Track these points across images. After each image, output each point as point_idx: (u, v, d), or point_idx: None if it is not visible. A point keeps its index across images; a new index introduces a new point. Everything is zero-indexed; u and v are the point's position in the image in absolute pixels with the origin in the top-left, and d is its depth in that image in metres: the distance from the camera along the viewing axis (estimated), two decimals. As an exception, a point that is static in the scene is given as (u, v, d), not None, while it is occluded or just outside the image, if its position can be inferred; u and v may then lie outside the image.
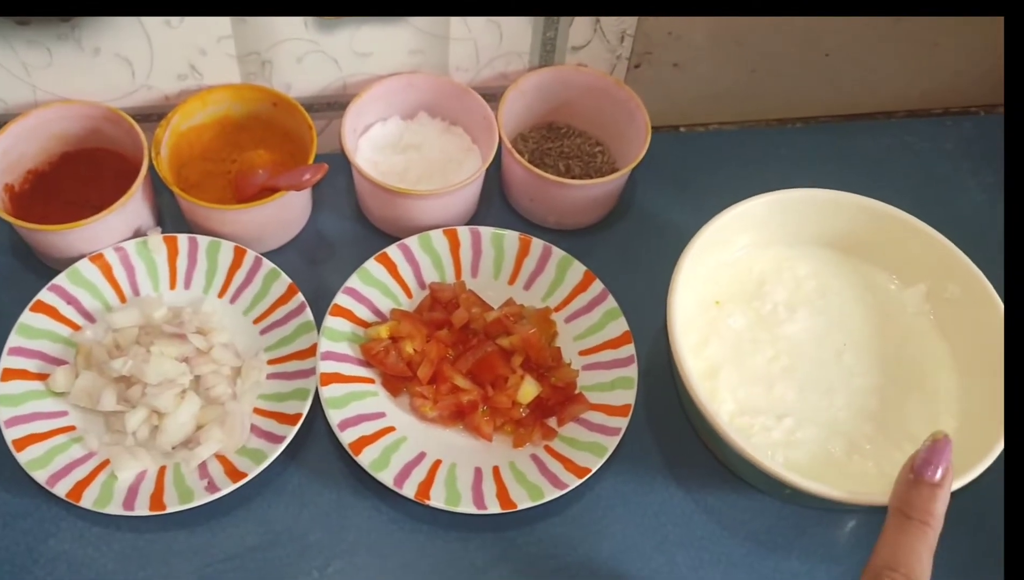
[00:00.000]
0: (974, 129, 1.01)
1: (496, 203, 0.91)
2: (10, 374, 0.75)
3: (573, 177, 0.88)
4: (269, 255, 0.83)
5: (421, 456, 0.75)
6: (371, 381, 0.79)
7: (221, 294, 0.82)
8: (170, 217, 0.87)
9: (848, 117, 1.00)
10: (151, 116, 0.86)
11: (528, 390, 0.76)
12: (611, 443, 0.75)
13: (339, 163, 0.84)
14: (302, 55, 0.84)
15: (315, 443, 0.77)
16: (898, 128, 1.01)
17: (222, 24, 0.80)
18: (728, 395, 0.75)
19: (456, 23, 0.83)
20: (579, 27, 0.86)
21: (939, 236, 0.78)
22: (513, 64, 0.88)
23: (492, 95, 0.87)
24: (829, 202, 0.79)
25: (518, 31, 0.85)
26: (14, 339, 0.76)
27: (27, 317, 0.77)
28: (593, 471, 0.74)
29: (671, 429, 0.80)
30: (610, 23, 0.86)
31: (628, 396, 0.77)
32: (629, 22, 0.86)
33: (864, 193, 0.79)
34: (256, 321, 0.81)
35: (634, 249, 0.89)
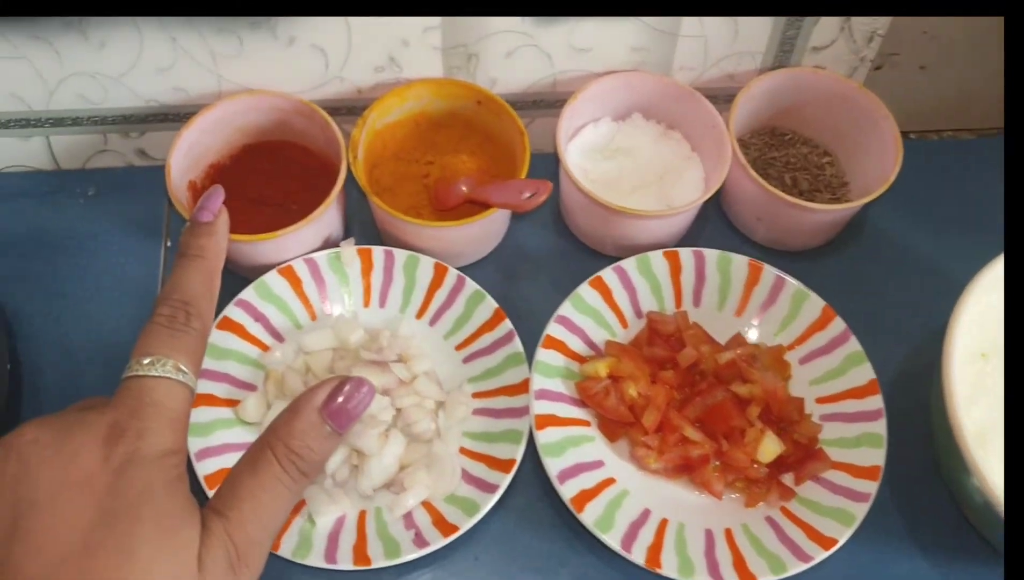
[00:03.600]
0: None
1: (711, 216, 0.81)
2: (199, 400, 0.69)
3: (801, 191, 0.79)
4: (464, 270, 0.76)
5: (646, 514, 0.68)
6: (587, 423, 0.71)
7: (419, 315, 0.74)
8: (355, 223, 0.80)
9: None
10: (339, 109, 0.78)
11: (770, 448, 0.68)
12: (859, 511, 0.67)
13: (539, 166, 0.75)
14: (513, 49, 0.75)
15: (520, 485, 0.70)
16: None
17: (431, 14, 0.71)
18: (998, 463, 0.66)
19: (689, 19, 0.73)
20: (824, 25, 0.76)
21: None
22: (743, 64, 0.78)
23: (712, 98, 0.77)
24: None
25: (756, 29, 0.75)
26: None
27: (214, 336, 0.71)
28: (841, 543, 0.66)
29: (918, 494, 0.71)
30: (860, 22, 0.75)
31: (876, 456, 0.68)
32: (882, 21, 0.76)
33: None
34: (458, 347, 0.73)
35: (866, 277, 0.79)
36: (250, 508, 0.46)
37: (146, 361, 0.46)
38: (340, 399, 0.47)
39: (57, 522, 0.41)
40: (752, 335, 0.75)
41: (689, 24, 0.74)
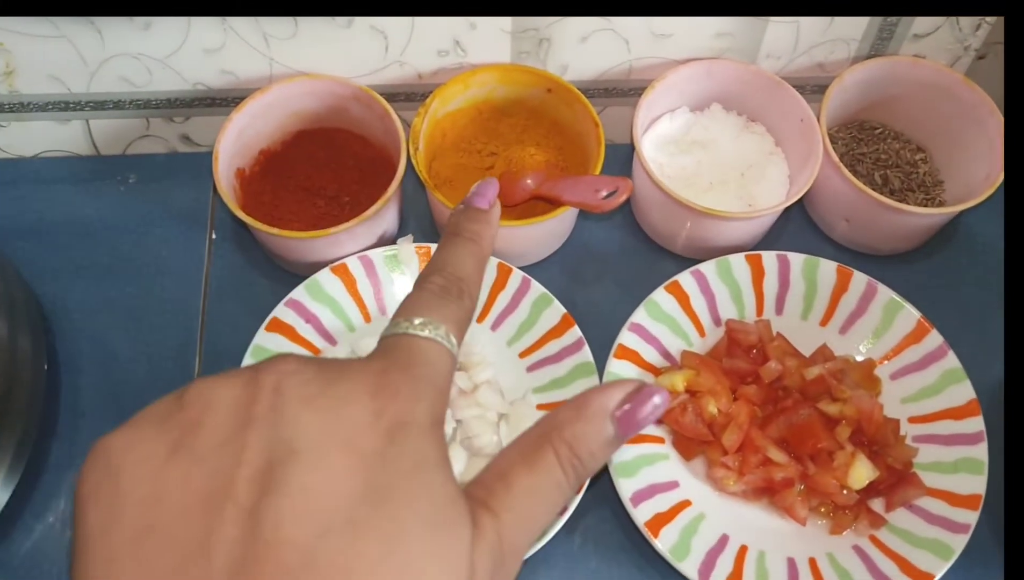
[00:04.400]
0: None
1: (795, 217, 0.76)
2: (246, 406, 0.64)
3: (892, 190, 0.73)
4: (526, 271, 0.71)
5: (724, 540, 0.63)
6: (661, 441, 0.66)
7: (480, 319, 0.69)
8: (411, 217, 0.75)
9: None
10: (397, 96, 0.73)
11: (861, 473, 0.62)
12: (958, 543, 0.61)
13: (609, 160, 0.69)
14: (588, 33, 0.69)
15: (593, 506, 0.65)
16: None
17: (500, -6, 0.66)
18: (1112, 497, 0.60)
19: (781, 2, 0.67)
20: (928, 10, 0.69)
21: None
22: (836, 52, 0.72)
23: (800, 88, 0.72)
24: None
25: (852, 14, 0.69)
26: (248, 363, 0.65)
27: (262, 337, 0.66)
28: (938, 578, 0.60)
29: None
30: (966, 8, 0.69)
31: (977, 483, 0.63)
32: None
33: None
34: (523, 354, 0.68)
35: (962, 286, 0.74)
36: (524, 510, 0.38)
37: (418, 321, 0.39)
38: (633, 405, 0.40)
39: (321, 484, 0.33)
40: (840, 348, 0.69)
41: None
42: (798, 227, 0.76)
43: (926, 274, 0.74)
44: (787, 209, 0.75)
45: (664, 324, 0.68)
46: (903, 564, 0.61)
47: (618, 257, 0.74)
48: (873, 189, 0.70)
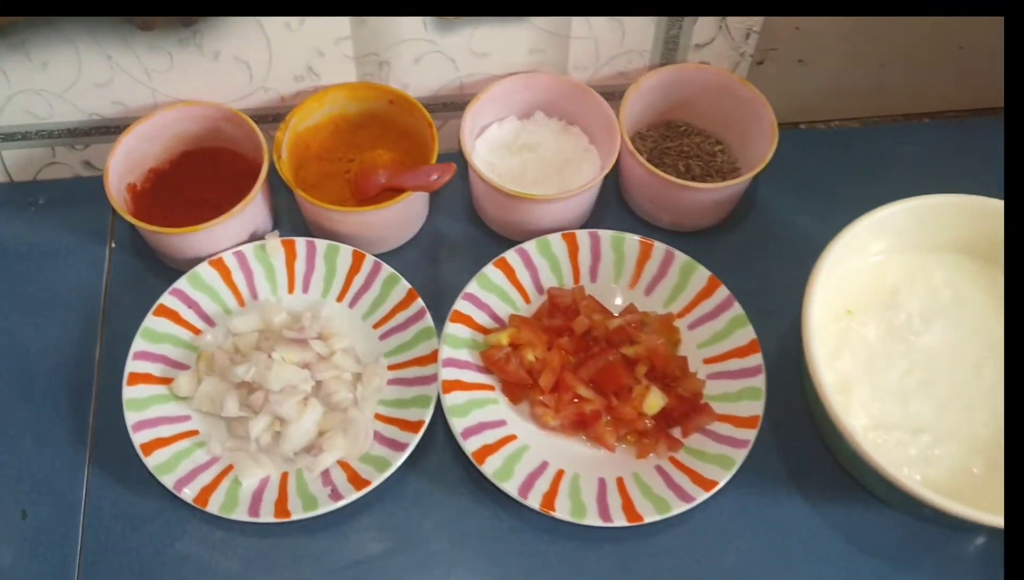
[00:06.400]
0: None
1: (612, 204, 0.89)
2: (136, 378, 0.76)
3: (693, 177, 0.86)
4: (387, 255, 0.83)
5: (544, 466, 0.74)
6: (491, 388, 0.78)
7: (340, 298, 0.81)
8: (286, 218, 0.87)
9: (980, 111, 0.95)
10: (266, 117, 0.86)
11: (654, 401, 0.74)
12: (739, 456, 0.73)
13: (455, 162, 0.82)
14: (420, 55, 0.82)
15: (435, 448, 0.77)
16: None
17: (341, 25, 0.79)
18: (861, 410, 0.73)
19: (578, 21, 0.81)
20: (703, 24, 0.83)
21: (1087, 243, 0.74)
22: (634, 62, 0.86)
23: (609, 94, 0.85)
24: (969, 208, 0.76)
25: (641, 29, 0.83)
26: (138, 343, 0.77)
27: (150, 321, 0.78)
28: (721, 485, 0.72)
29: (797, 441, 0.78)
30: (736, 20, 0.83)
31: (756, 407, 0.75)
32: (755, 19, 0.83)
33: (995, 192, 0.75)
34: (375, 326, 0.80)
35: (755, 252, 0.86)
36: None
37: None
38: None
39: None
40: (644, 305, 0.81)
41: (578, 26, 0.82)
42: (617, 214, 0.88)
43: (724, 244, 0.87)
44: (608, 199, 0.88)
45: (494, 293, 0.80)
46: (694, 476, 0.73)
47: (464, 244, 0.87)
48: (678, 177, 0.83)
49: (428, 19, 0.79)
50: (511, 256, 0.81)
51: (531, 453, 0.75)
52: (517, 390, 0.77)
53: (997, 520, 0.64)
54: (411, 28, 0.80)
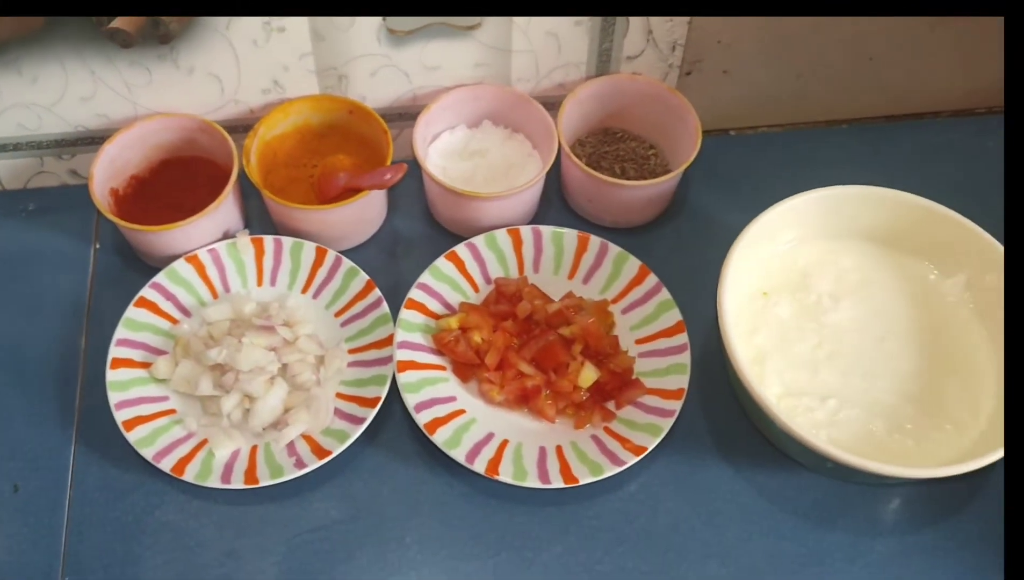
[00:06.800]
0: (1017, 127, 1.04)
1: (556, 204, 0.97)
2: (118, 363, 0.83)
3: (628, 179, 0.94)
4: (350, 252, 0.91)
5: (490, 436, 0.82)
6: (443, 368, 0.85)
7: (304, 290, 0.89)
8: (256, 220, 0.95)
9: (893, 117, 1.04)
10: (237, 128, 0.94)
11: (588, 375, 0.82)
12: (666, 424, 0.80)
13: (411, 169, 0.90)
14: (376, 69, 0.91)
15: (392, 425, 0.84)
16: (942, 127, 1.05)
17: (303, 42, 0.87)
18: (775, 379, 0.80)
19: (517, 37, 0.89)
20: (633, 38, 0.92)
21: (978, 228, 0.82)
22: (571, 74, 0.94)
23: (552, 103, 0.93)
24: (871, 198, 0.84)
25: (575, 43, 0.91)
26: (121, 331, 0.84)
27: (131, 312, 0.85)
28: (649, 450, 0.79)
29: (723, 412, 0.85)
30: (662, 33, 0.92)
31: (682, 381, 0.82)
32: (680, 32, 0.92)
33: (909, 190, 0.84)
34: (337, 314, 0.88)
35: (687, 245, 0.94)
36: None
37: None
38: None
39: None
40: (582, 293, 0.89)
41: (519, 41, 0.90)
42: (559, 212, 0.96)
43: (659, 239, 0.95)
44: (552, 199, 0.96)
45: (446, 283, 0.88)
46: (626, 443, 0.80)
47: (420, 241, 0.95)
48: (613, 178, 0.92)
49: (382, 35, 0.87)
50: (461, 250, 0.89)
51: (478, 425, 0.82)
52: (466, 369, 0.85)
53: (893, 470, 0.71)
54: (366, 44, 0.88)
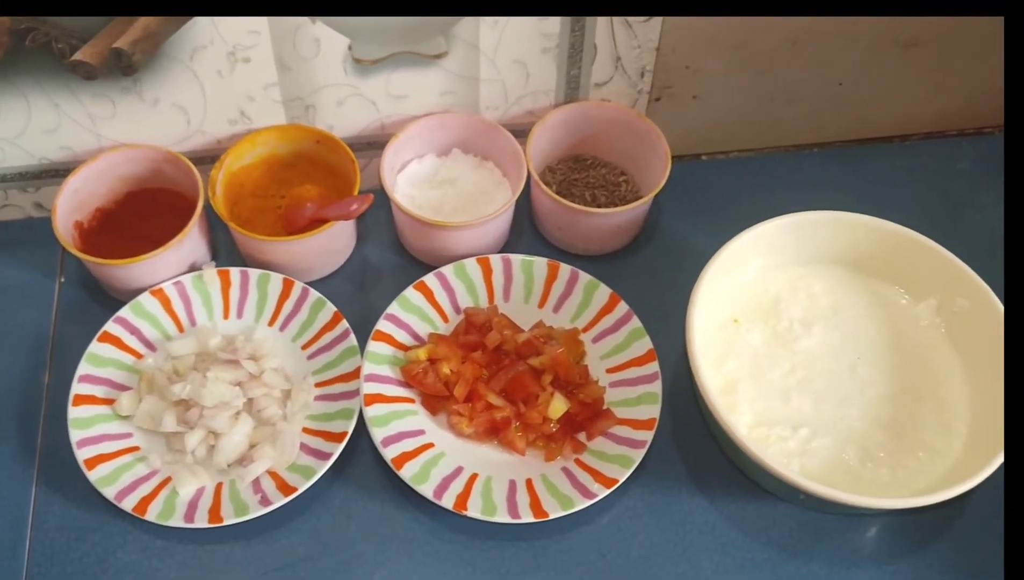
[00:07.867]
0: (989, 148, 1.04)
1: (527, 232, 0.96)
2: (80, 399, 0.82)
3: (599, 205, 0.93)
4: (318, 283, 0.90)
5: (459, 470, 0.80)
6: (411, 401, 0.84)
7: (271, 322, 0.88)
8: (224, 251, 0.94)
9: (863, 141, 1.04)
10: (204, 159, 0.93)
11: (557, 406, 0.81)
12: (637, 455, 0.79)
13: (379, 198, 0.90)
14: (343, 98, 0.90)
15: (359, 460, 0.83)
16: (913, 150, 1.04)
17: (269, 72, 0.86)
18: (747, 408, 0.79)
19: (484, 65, 0.89)
20: (601, 64, 0.91)
21: (948, 253, 0.82)
22: (540, 101, 0.94)
23: (521, 131, 0.93)
24: (840, 223, 0.84)
25: (543, 70, 0.91)
26: (83, 367, 0.83)
27: (95, 347, 0.84)
28: (620, 482, 0.78)
29: (695, 442, 0.84)
30: (630, 60, 0.91)
31: (653, 411, 0.81)
32: (648, 59, 0.91)
33: (881, 214, 0.83)
34: (304, 347, 0.87)
35: (658, 272, 0.94)
36: None
37: None
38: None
39: None
40: (552, 322, 0.88)
41: (486, 69, 0.90)
42: (529, 240, 0.96)
43: (630, 266, 0.94)
44: (523, 227, 0.95)
45: (414, 314, 0.87)
46: (596, 475, 0.79)
47: (389, 271, 0.94)
48: (583, 205, 0.91)
49: (348, 64, 0.86)
50: (430, 279, 0.88)
51: (447, 459, 0.81)
52: (435, 401, 0.84)
53: (867, 501, 0.70)
54: (333, 73, 0.87)
